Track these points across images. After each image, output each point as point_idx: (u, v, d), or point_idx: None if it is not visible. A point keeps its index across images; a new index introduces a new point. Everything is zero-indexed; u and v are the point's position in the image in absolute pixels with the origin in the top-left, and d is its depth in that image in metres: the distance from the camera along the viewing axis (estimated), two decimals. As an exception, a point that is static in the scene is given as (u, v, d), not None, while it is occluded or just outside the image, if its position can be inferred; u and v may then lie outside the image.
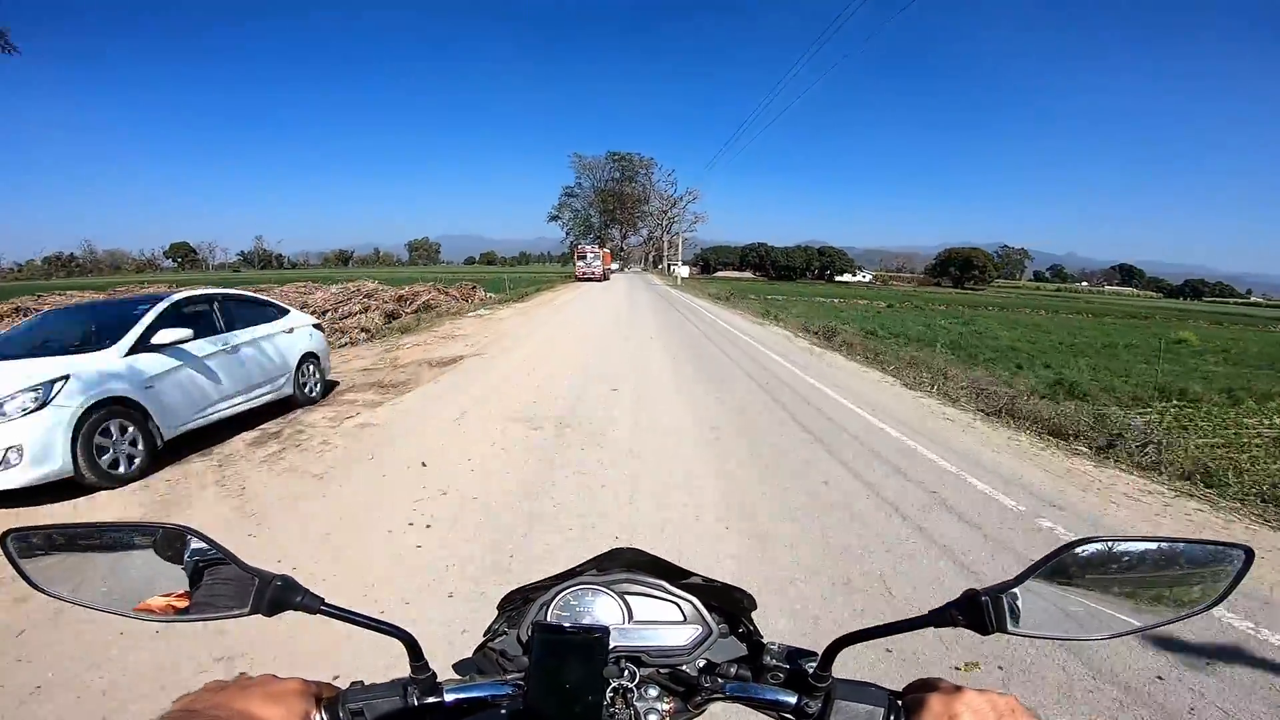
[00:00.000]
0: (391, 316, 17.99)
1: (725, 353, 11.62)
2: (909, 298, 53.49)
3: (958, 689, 0.54)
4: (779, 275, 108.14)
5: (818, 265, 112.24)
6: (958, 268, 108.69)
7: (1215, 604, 0.56)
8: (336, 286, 19.02)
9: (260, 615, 0.58)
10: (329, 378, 7.69)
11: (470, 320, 17.51)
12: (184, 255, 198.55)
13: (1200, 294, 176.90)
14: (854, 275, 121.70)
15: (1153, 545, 0.57)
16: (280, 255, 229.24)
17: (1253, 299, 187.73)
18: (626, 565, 0.75)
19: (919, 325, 23.55)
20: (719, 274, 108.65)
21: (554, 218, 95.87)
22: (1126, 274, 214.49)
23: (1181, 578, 0.57)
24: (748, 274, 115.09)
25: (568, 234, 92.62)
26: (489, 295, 28.88)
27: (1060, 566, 0.56)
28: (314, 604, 0.59)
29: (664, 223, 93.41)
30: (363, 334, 13.91)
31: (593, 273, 49.42)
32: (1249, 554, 0.55)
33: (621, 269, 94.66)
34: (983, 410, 7.28)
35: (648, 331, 14.97)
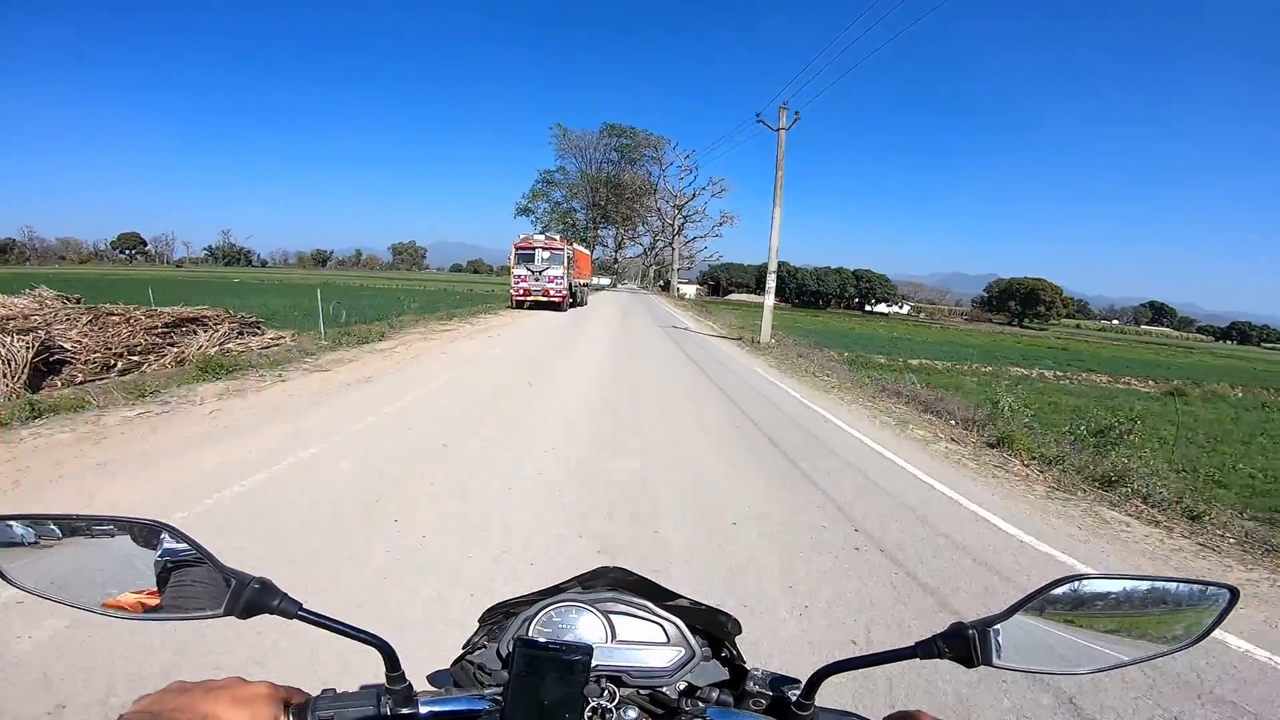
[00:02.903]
0: None
1: None
2: (1064, 357, 35.86)
3: None
4: (804, 302, 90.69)
5: (853, 292, 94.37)
6: (1019, 301, 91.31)
7: (1199, 640, 0.55)
8: None
9: (234, 618, 0.56)
10: None
11: None
12: (133, 246, 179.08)
13: (1247, 338, 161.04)
14: (889, 306, 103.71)
15: (1140, 584, 0.57)
16: (249, 251, 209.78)
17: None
18: (612, 584, 0.72)
19: None
20: (731, 297, 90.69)
21: (524, 210, 67.93)
22: (1158, 312, 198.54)
23: (1166, 615, 0.57)
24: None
25: (543, 232, 67.65)
26: (282, 336, 10.69)
27: (1046, 603, 0.55)
28: (291, 608, 0.56)
29: (675, 224, 63.62)
30: None
31: (548, 294, 23.37)
32: (1234, 594, 0.55)
33: (613, 285, 71.08)
34: None
35: None
